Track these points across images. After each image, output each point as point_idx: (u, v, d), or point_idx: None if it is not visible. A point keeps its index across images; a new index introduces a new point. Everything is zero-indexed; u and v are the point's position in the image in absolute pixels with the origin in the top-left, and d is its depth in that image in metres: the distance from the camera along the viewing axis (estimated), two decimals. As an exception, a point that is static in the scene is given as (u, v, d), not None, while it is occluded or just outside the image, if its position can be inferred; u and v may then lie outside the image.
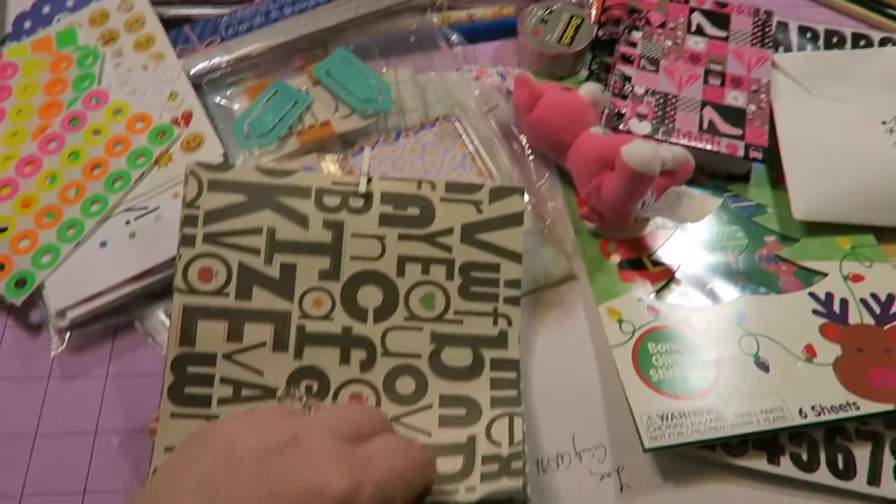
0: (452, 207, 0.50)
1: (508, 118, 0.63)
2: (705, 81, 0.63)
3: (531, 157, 0.60)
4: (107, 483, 0.48)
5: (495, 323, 0.48)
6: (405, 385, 0.47)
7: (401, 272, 0.48)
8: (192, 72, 0.64)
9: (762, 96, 0.62)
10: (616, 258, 0.57)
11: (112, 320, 0.54)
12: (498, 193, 0.50)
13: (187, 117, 0.61)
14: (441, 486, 0.43)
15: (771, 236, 0.58)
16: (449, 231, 0.49)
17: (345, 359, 0.47)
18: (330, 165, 0.58)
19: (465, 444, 0.45)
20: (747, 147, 0.59)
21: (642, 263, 0.56)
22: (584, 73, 0.67)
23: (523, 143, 0.61)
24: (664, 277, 0.55)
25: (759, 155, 0.58)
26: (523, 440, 0.45)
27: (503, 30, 0.70)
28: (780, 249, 0.57)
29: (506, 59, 0.69)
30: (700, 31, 0.67)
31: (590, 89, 0.58)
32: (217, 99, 0.63)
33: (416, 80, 0.64)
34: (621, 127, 0.60)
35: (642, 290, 0.55)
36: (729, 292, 0.55)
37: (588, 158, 0.55)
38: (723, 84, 0.63)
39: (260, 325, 0.46)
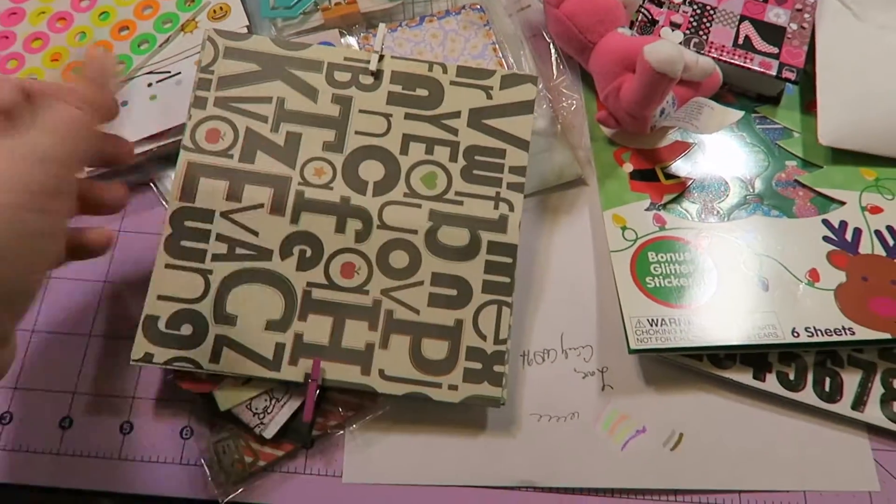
0: (462, 91, 0.50)
1: (538, 19, 0.61)
2: (748, -4, 0.60)
3: (555, 58, 0.59)
4: (111, 328, 0.51)
5: (496, 207, 0.48)
6: (398, 259, 0.47)
7: (404, 150, 0.49)
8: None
9: (806, 16, 0.59)
10: (629, 167, 0.56)
11: (129, 178, 0.55)
12: (510, 80, 0.50)
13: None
14: (424, 375, 0.45)
15: (793, 161, 0.56)
16: (456, 114, 0.49)
17: (340, 227, 0.47)
18: (351, 43, 0.58)
19: (451, 329, 0.46)
20: (781, 66, 0.56)
21: (654, 174, 0.55)
22: (624, -21, 0.65)
23: (549, 44, 0.60)
24: (675, 190, 0.55)
25: (792, 75, 0.56)
26: (508, 338, 0.46)
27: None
28: (800, 174, 0.55)
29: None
30: (751, -55, 0.63)
31: (623, -12, 0.56)
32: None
33: (449, -31, 0.63)
34: (652, 34, 0.58)
35: (651, 201, 0.54)
36: (740, 212, 0.54)
37: (611, 58, 0.53)
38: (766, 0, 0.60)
39: (259, 187, 0.47)
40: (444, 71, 0.50)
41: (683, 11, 0.59)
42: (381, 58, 0.50)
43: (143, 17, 0.59)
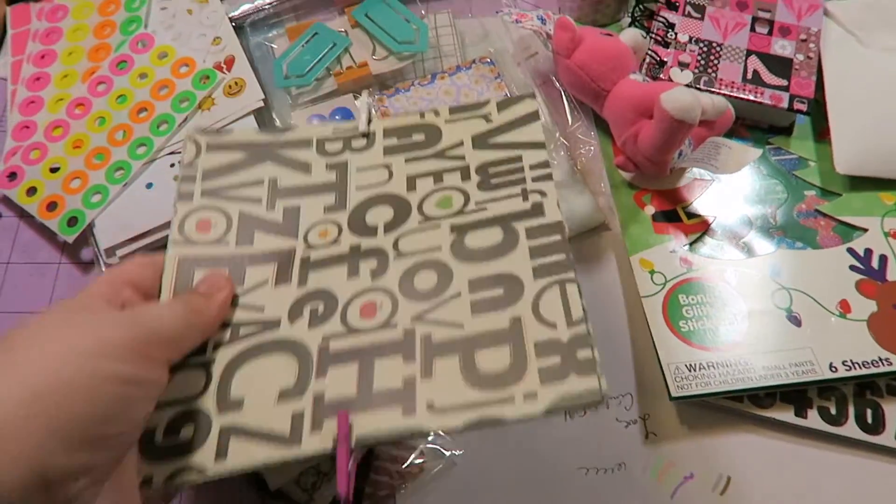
0: (459, 125, 0.47)
1: (547, 66, 0.62)
2: (752, 29, 0.61)
3: (567, 105, 0.60)
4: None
5: (525, 199, 0.43)
6: (425, 280, 0.40)
7: (411, 188, 0.45)
8: (235, 13, 0.65)
9: (811, 46, 0.60)
10: (650, 209, 0.56)
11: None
12: (507, 102, 0.47)
13: (230, 62, 0.62)
14: (488, 393, 0.35)
15: (811, 190, 0.57)
16: (459, 144, 0.46)
17: (353, 272, 0.41)
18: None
19: (508, 330, 0.38)
20: (792, 98, 0.57)
21: (677, 215, 0.56)
22: (627, 19, 0.66)
23: (560, 91, 0.61)
24: (699, 230, 0.55)
25: (803, 107, 0.57)
26: (585, 317, 0.37)
27: (545, -26, 0.68)
28: (820, 204, 0.56)
29: (546, 4, 0.68)
30: (750, -23, 0.64)
31: (631, 35, 0.57)
32: (259, 39, 0.64)
33: (455, 24, 0.64)
34: (662, 76, 0.59)
35: (676, 242, 0.55)
36: (764, 246, 0.54)
37: (626, 105, 0.54)
38: (770, 32, 0.61)
39: (262, 266, 0.42)
40: (437, 114, 0.47)
41: (690, 50, 0.60)
42: (370, 121, 0.47)
43: (160, 98, 0.60)
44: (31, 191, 0.59)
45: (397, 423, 0.35)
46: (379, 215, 0.44)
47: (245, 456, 0.35)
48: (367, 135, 0.47)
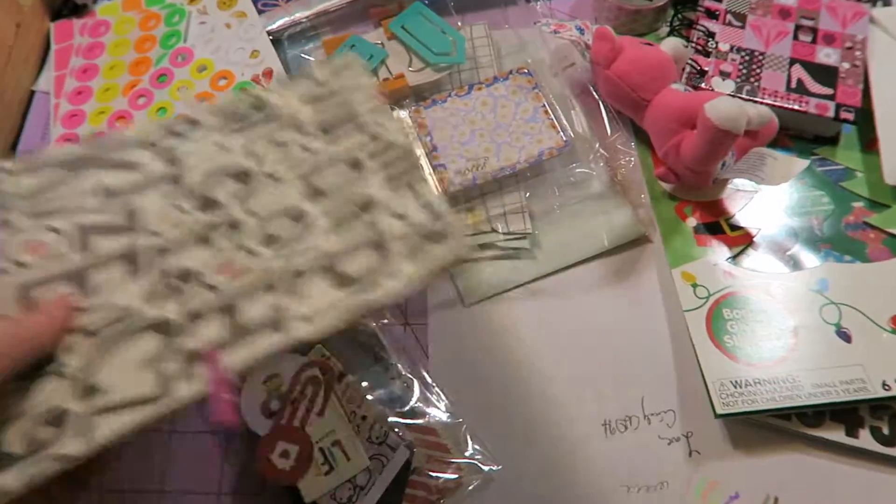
0: (287, 91, 0.48)
1: (583, 76, 0.61)
2: (795, 38, 0.60)
3: (606, 116, 0.59)
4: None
5: (363, 132, 0.46)
6: (279, 226, 0.43)
7: (249, 154, 0.45)
8: (273, 26, 0.66)
9: (857, 53, 0.58)
10: (692, 221, 0.55)
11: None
12: (327, 63, 0.49)
13: (268, 75, 0.63)
14: (356, 287, 0.40)
15: (859, 202, 0.55)
16: (286, 105, 0.47)
17: (207, 244, 0.42)
18: (402, 117, 0.59)
19: (367, 235, 0.42)
20: (838, 107, 0.56)
21: (720, 227, 0.55)
22: (665, 29, 0.65)
23: (599, 101, 0.60)
24: (742, 242, 0.54)
25: (850, 116, 0.55)
26: (437, 198, 0.43)
27: (583, -16, 0.68)
28: (868, 216, 0.54)
29: (582, 14, 0.67)
30: (792, -15, 0.63)
31: (672, 44, 0.56)
32: (296, 52, 0.65)
33: (491, 36, 0.63)
34: (703, 85, 0.58)
35: (718, 255, 0.53)
36: (811, 259, 0.53)
37: (668, 115, 0.53)
38: (814, 41, 0.59)
39: (109, 267, 0.41)
40: (264, 88, 0.48)
41: (732, 59, 0.59)
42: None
43: (199, 110, 0.61)
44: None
45: (272, 341, 0.39)
46: (223, 189, 0.44)
47: (111, 425, 0.36)
48: (192, 121, 0.46)
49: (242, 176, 0.45)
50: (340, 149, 0.45)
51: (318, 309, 0.40)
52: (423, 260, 0.41)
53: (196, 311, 0.40)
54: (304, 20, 0.66)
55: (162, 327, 0.40)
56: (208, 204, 0.43)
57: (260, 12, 0.67)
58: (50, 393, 0.37)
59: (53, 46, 0.67)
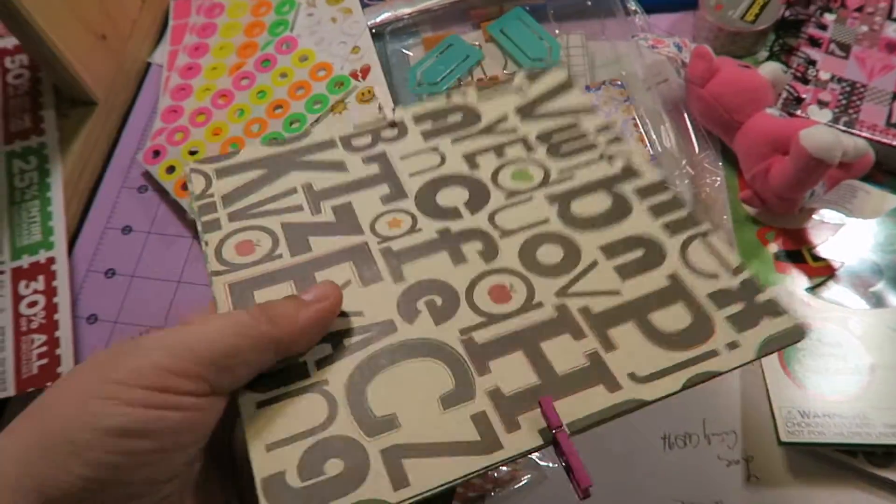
0: (493, 102, 0.45)
1: (676, 94, 0.61)
2: (901, 73, 0.59)
3: (695, 134, 0.59)
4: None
5: (610, 163, 0.41)
6: (549, 254, 0.37)
7: (473, 165, 0.41)
8: (377, 20, 0.68)
9: (965, 94, 0.57)
10: (774, 247, 0.55)
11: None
12: (535, 75, 0.46)
13: (365, 71, 0.65)
14: (687, 351, 0.33)
15: (953, 245, 0.54)
16: (503, 118, 0.44)
17: (458, 258, 0.37)
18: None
19: (671, 287, 0.35)
20: (940, 147, 0.54)
21: (801, 256, 0.54)
22: (764, 53, 0.64)
23: (688, 120, 0.60)
24: (823, 273, 0.53)
25: (951, 157, 0.54)
26: (743, 265, 0.36)
27: (683, 3, 0.68)
28: (961, 261, 0.53)
29: (681, 32, 0.67)
30: (902, 19, 0.62)
31: (772, 69, 0.56)
32: (396, 46, 0.67)
33: (587, 46, 0.64)
34: (799, 112, 0.57)
35: (797, 284, 0.53)
36: (895, 298, 0.52)
37: (760, 139, 0.53)
38: (921, 77, 0.58)
39: (335, 268, 0.37)
40: (464, 94, 0.46)
41: (832, 89, 0.58)
42: (393, 110, 0.45)
43: (296, 98, 0.64)
44: (171, 169, 0.63)
45: (609, 401, 0.31)
46: (452, 197, 0.40)
47: (432, 475, 0.29)
48: (395, 124, 0.44)
49: (474, 187, 0.40)
50: (589, 176, 0.40)
51: (653, 370, 0.32)
52: (758, 334, 0.33)
53: (483, 344, 0.34)
54: (406, 17, 0.68)
55: (444, 356, 0.33)
56: (441, 213, 0.39)
57: (365, 6, 0.69)
58: (311, 414, 0.31)
59: (171, 23, 0.71)
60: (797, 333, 0.33)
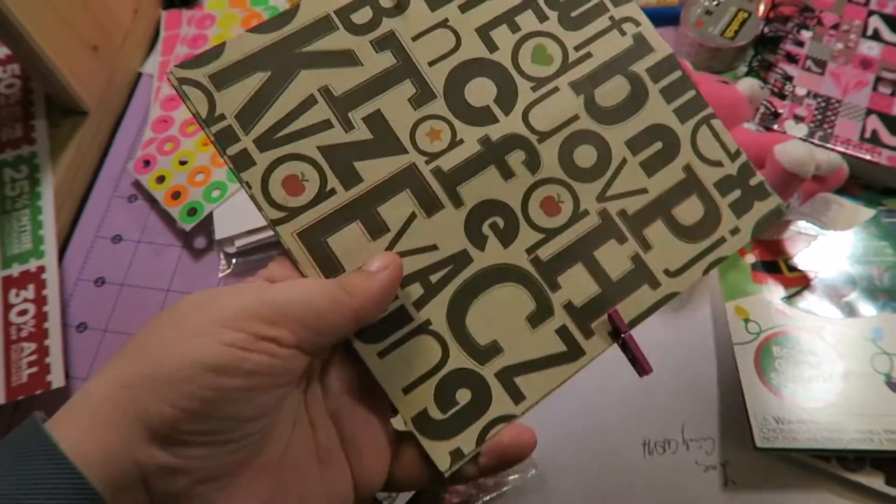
0: None
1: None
2: (874, 89, 0.60)
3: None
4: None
5: (622, 33, 0.40)
6: (585, 156, 0.38)
7: (491, 46, 0.39)
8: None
9: (936, 110, 0.59)
10: (751, 258, 0.56)
11: (271, 252, 0.60)
12: None
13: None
14: (703, 242, 0.37)
15: (924, 257, 0.55)
16: None
17: (506, 172, 0.37)
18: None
19: (687, 180, 0.38)
20: (911, 161, 0.56)
21: (777, 267, 0.56)
22: (743, 69, 0.66)
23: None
24: (799, 283, 0.55)
25: (923, 171, 0.56)
26: (739, 148, 0.39)
27: (664, 18, 0.70)
28: (931, 272, 0.54)
29: (663, 48, 0.69)
30: (876, 36, 0.64)
31: (749, 84, 0.58)
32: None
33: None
34: (776, 127, 0.59)
35: (774, 293, 0.54)
36: (867, 308, 0.53)
37: (736, 154, 0.54)
38: (894, 93, 0.60)
39: (394, 199, 0.36)
40: None
41: (807, 104, 0.60)
42: None
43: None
44: (161, 179, 0.64)
45: (653, 297, 0.37)
46: (480, 93, 0.38)
47: (540, 385, 0.35)
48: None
49: (499, 78, 0.38)
50: (606, 52, 0.39)
51: (681, 263, 0.37)
52: (752, 217, 0.38)
53: (548, 261, 0.36)
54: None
55: (520, 278, 0.36)
56: (475, 116, 0.38)
57: None
58: (427, 354, 0.34)
59: (163, 33, 0.72)
60: (778, 213, 0.38)
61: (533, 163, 0.37)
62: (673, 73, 0.39)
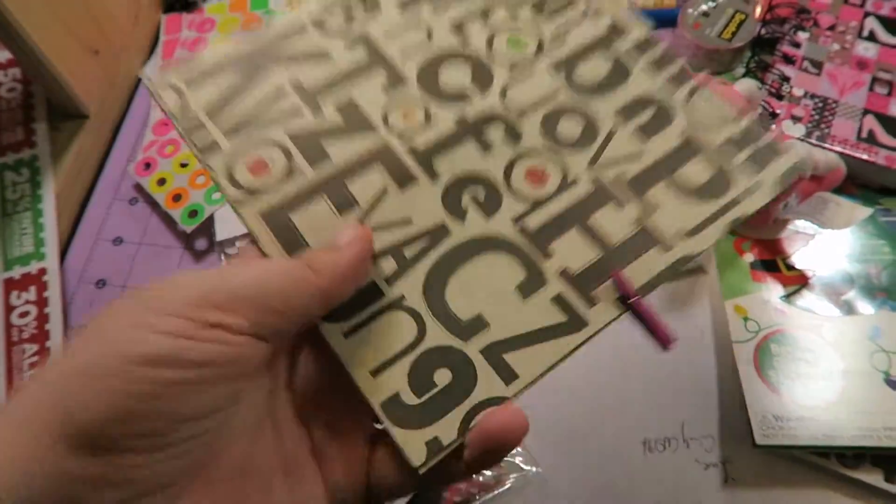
0: None
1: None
2: (870, 89, 0.61)
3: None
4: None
5: (595, 19, 0.39)
6: (569, 127, 0.36)
7: (463, 38, 0.38)
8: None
9: (932, 110, 0.59)
10: (749, 257, 0.57)
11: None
12: None
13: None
14: (718, 200, 0.34)
15: (921, 255, 0.56)
16: None
17: (485, 146, 0.35)
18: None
19: (685, 144, 0.36)
20: (907, 160, 0.57)
21: (776, 265, 0.56)
22: (741, 70, 0.67)
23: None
24: (797, 282, 0.55)
25: (919, 170, 0.56)
26: (742, 110, 0.37)
27: (662, 20, 0.70)
28: (929, 270, 0.55)
29: (661, 49, 0.69)
30: (872, 37, 0.64)
31: (747, 85, 0.58)
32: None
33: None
34: (773, 127, 0.59)
35: (772, 292, 0.54)
36: (866, 306, 0.53)
37: (734, 154, 0.55)
38: (890, 93, 0.60)
39: (365, 175, 0.34)
40: None
41: (805, 104, 0.60)
42: None
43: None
44: (161, 181, 0.64)
45: (666, 261, 0.33)
46: (455, 77, 0.37)
47: (537, 361, 0.31)
48: None
49: (472, 64, 0.38)
50: (582, 35, 0.39)
51: (696, 223, 0.33)
52: (772, 173, 0.35)
53: (537, 229, 0.34)
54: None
55: (504, 246, 0.33)
56: (451, 98, 0.37)
57: None
58: (400, 331, 0.31)
59: (163, 37, 0.73)
60: (800, 166, 0.35)
61: (513, 136, 0.36)
62: (656, 47, 0.38)
